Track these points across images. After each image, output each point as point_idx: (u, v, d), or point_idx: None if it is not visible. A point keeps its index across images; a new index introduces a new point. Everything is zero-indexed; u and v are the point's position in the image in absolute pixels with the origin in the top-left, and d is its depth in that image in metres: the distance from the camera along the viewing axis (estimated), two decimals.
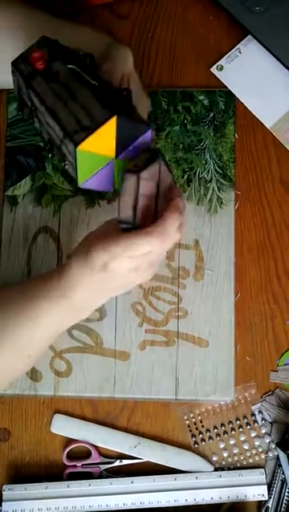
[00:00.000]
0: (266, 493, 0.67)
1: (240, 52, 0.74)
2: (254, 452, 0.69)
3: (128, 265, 0.53)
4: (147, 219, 0.53)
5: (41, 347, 0.60)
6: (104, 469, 0.69)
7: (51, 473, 0.70)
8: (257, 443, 0.69)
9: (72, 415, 0.70)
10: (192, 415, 0.70)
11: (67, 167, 0.53)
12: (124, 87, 0.57)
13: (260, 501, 0.68)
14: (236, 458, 0.69)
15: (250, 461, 0.69)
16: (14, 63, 0.52)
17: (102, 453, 0.69)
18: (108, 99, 0.50)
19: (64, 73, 0.51)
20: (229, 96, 0.73)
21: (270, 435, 0.69)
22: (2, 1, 0.61)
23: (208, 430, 0.70)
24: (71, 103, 0.50)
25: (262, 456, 0.69)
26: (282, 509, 0.67)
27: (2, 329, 0.56)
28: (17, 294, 0.59)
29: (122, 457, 0.69)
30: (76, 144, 0.48)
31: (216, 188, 0.71)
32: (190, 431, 0.70)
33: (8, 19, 0.60)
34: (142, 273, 0.56)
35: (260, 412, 0.69)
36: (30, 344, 0.58)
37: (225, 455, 0.69)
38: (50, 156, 0.61)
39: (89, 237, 0.56)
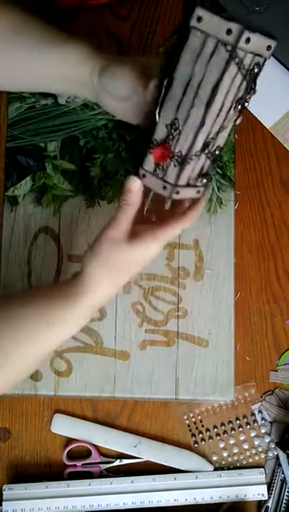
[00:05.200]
0: (265, 493, 0.67)
1: None
2: (253, 451, 0.69)
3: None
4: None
5: (50, 351, 0.59)
6: (104, 469, 0.69)
7: (51, 472, 0.70)
8: (257, 442, 0.69)
9: (72, 414, 0.70)
10: (192, 414, 0.70)
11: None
12: None
13: (260, 501, 0.68)
14: (236, 458, 0.69)
15: (250, 460, 0.69)
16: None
17: (102, 452, 0.70)
18: None
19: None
20: None
21: (269, 435, 0.69)
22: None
23: (208, 430, 0.70)
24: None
25: (262, 455, 0.69)
26: (282, 508, 0.67)
27: (14, 337, 0.54)
28: (27, 300, 0.57)
29: (122, 456, 0.69)
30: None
31: (216, 188, 0.71)
32: (190, 430, 0.70)
33: (4, 25, 0.59)
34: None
35: (260, 411, 0.69)
36: (42, 351, 0.57)
37: (225, 455, 0.69)
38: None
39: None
